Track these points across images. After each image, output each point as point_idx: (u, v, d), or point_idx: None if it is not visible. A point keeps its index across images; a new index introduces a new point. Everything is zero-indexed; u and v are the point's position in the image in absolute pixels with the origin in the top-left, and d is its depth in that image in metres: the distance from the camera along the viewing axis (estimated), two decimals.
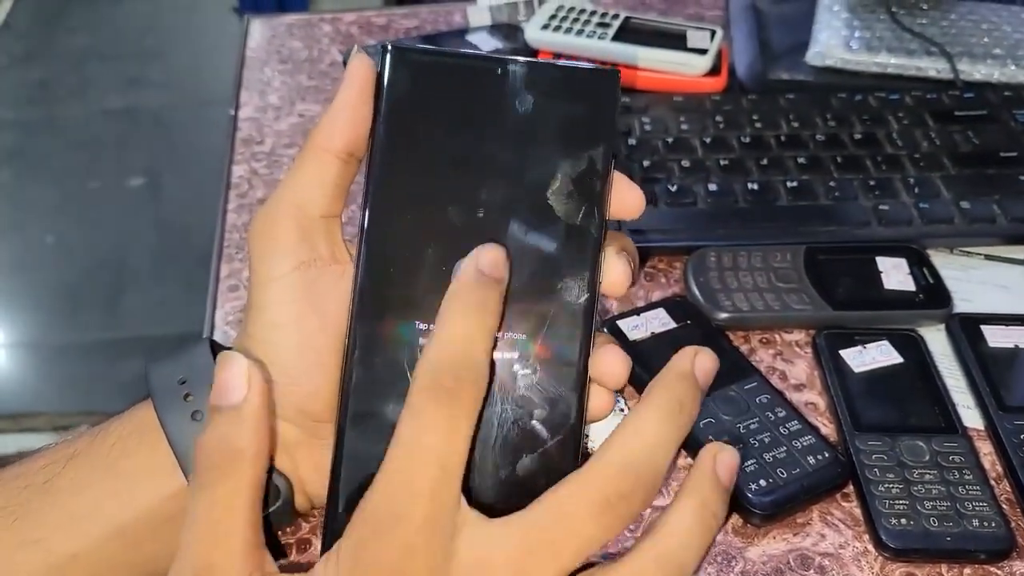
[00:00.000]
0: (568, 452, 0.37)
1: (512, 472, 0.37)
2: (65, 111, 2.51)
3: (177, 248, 2.06)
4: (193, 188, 2.19)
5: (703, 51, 0.76)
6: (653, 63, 0.77)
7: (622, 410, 0.54)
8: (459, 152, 0.38)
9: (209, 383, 0.38)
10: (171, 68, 2.63)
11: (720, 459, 0.34)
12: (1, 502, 0.39)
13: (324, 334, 0.40)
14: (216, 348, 0.43)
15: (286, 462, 0.42)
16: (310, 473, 0.43)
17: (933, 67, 0.77)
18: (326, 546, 0.38)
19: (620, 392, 0.55)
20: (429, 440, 0.31)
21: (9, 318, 1.96)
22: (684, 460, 0.52)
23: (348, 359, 0.37)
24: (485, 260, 0.35)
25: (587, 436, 0.52)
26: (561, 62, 0.40)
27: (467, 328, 0.33)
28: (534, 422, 0.37)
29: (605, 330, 0.57)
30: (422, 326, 0.37)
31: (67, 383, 1.84)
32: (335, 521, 0.38)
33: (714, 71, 0.77)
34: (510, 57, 0.39)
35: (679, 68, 0.77)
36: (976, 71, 0.77)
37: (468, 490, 0.35)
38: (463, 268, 0.35)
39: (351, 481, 0.37)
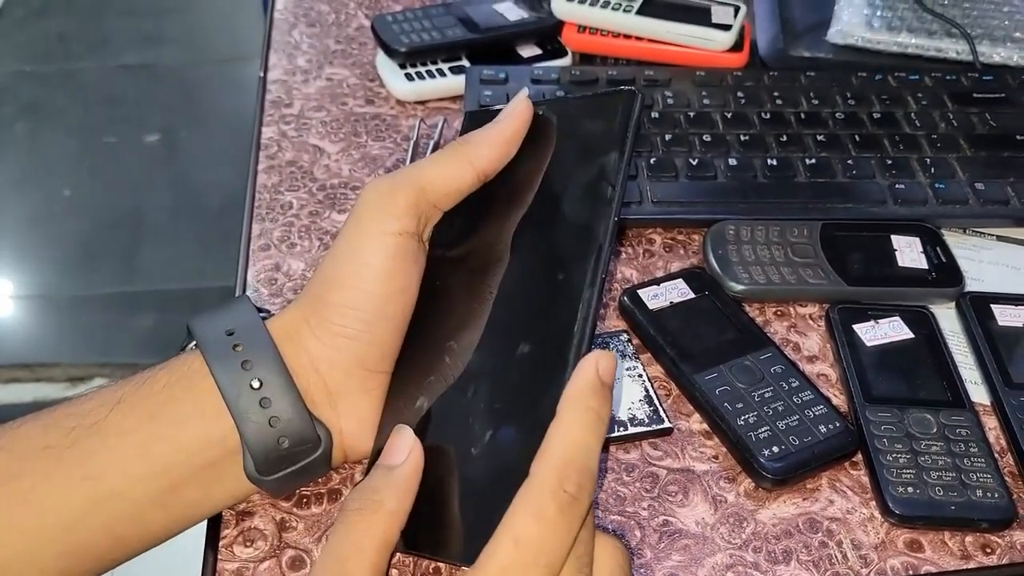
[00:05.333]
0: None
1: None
2: (82, 65, 2.51)
3: (192, 204, 2.07)
4: (209, 145, 2.21)
5: (727, 27, 0.77)
6: (677, 37, 0.78)
7: (640, 375, 0.56)
8: (505, 183, 0.47)
9: (256, 335, 0.43)
10: (188, 25, 2.62)
11: (602, 365, 0.37)
12: (52, 440, 0.41)
13: (401, 297, 0.45)
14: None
15: (329, 413, 0.44)
16: (352, 426, 0.45)
17: (953, 48, 0.78)
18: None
19: (637, 357, 0.57)
20: (550, 543, 0.34)
21: (26, 270, 1.99)
22: (701, 425, 0.54)
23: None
24: (604, 367, 0.37)
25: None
26: (581, 94, 0.47)
27: (588, 437, 0.35)
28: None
29: (626, 298, 0.59)
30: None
31: (82, 335, 1.86)
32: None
33: (737, 47, 0.78)
34: (542, 101, 0.48)
35: (703, 43, 0.78)
36: (996, 53, 0.78)
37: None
38: (584, 370, 0.37)
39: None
